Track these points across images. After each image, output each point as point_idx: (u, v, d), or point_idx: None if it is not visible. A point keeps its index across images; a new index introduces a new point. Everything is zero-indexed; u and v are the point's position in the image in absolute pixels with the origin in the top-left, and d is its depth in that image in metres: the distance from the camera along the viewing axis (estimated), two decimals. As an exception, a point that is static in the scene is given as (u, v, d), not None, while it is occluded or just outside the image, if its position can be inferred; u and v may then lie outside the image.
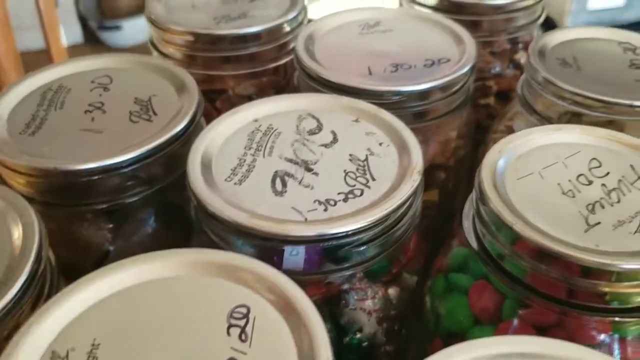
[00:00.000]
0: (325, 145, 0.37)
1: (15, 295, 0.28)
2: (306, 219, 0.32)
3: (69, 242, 0.38)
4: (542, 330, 0.32)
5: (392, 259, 0.37)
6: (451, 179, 0.49)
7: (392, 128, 0.38)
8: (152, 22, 0.50)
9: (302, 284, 0.33)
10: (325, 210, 0.33)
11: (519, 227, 0.30)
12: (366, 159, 0.36)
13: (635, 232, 0.30)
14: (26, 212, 0.32)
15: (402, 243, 0.36)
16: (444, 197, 0.49)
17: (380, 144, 0.38)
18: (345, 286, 0.35)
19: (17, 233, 0.31)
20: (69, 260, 0.38)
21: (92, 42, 2.07)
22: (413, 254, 0.40)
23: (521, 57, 0.56)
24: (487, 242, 0.32)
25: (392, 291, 0.38)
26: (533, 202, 0.32)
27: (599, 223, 0.31)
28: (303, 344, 0.26)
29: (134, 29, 1.95)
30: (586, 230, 0.30)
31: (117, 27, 2.00)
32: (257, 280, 0.28)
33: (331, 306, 0.36)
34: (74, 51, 1.98)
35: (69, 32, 2.01)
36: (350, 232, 0.32)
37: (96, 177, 0.36)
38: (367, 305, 0.36)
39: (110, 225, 0.39)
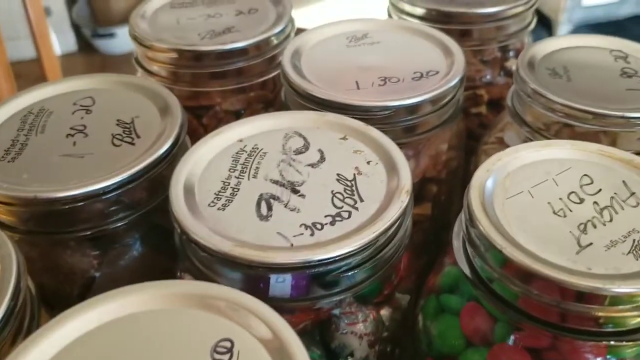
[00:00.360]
0: (312, 165, 0.37)
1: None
2: (292, 245, 0.31)
3: (53, 269, 0.37)
4: (535, 352, 0.31)
5: (383, 280, 0.36)
6: (443, 192, 0.49)
7: (380, 145, 0.38)
8: (136, 39, 0.49)
9: (291, 310, 0.33)
10: (312, 234, 0.32)
11: (508, 250, 0.29)
12: (354, 179, 0.36)
13: (629, 252, 0.29)
14: (3, 244, 0.31)
15: (392, 264, 0.35)
16: (436, 210, 0.49)
17: (369, 163, 0.37)
18: (335, 310, 0.34)
19: (-7, 267, 0.30)
20: (53, 288, 0.38)
21: (86, 50, 2.06)
22: (405, 272, 0.39)
23: (512, 64, 0.55)
24: (477, 264, 0.32)
25: (384, 312, 0.37)
26: (523, 222, 0.31)
27: (590, 244, 0.30)
28: (288, 380, 0.25)
29: (128, 36, 1.94)
30: (578, 252, 0.29)
31: (111, 35, 1.99)
32: (241, 313, 0.27)
33: (321, 331, 0.35)
34: (68, 60, 1.97)
35: (62, 41, 2.00)
36: (337, 258, 0.31)
37: (78, 204, 0.35)
38: (358, 329, 0.35)
39: (96, 252, 0.38)
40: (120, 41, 1.98)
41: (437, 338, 0.35)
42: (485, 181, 0.33)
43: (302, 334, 0.28)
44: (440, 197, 0.48)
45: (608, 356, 0.30)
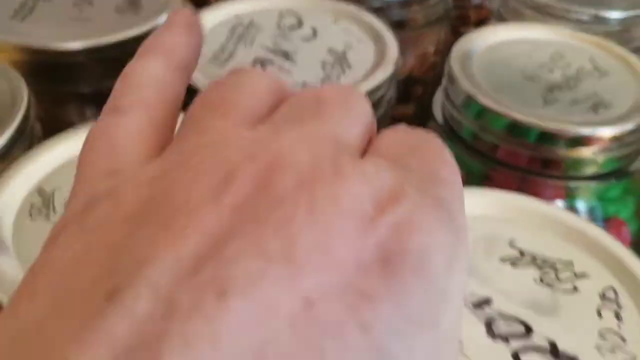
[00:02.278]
0: (305, 40, 0.39)
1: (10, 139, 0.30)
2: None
3: (53, 128, 0.39)
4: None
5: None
6: (427, 95, 0.51)
7: (372, 27, 0.40)
8: None
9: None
10: (302, 90, 0.34)
11: (486, 101, 0.32)
12: (344, 52, 0.38)
13: (589, 110, 0.32)
14: (15, 78, 0.33)
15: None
16: (419, 110, 0.51)
17: (359, 41, 0.39)
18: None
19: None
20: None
21: None
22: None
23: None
24: (455, 121, 0.34)
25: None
26: (498, 84, 0.34)
27: (557, 100, 0.33)
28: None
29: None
30: (544, 106, 0.32)
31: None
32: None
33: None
34: None
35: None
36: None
37: (81, 58, 0.37)
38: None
39: (95, 111, 0.40)
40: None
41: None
42: (467, 49, 0.36)
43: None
44: (424, 98, 0.51)
45: (566, 199, 0.33)
